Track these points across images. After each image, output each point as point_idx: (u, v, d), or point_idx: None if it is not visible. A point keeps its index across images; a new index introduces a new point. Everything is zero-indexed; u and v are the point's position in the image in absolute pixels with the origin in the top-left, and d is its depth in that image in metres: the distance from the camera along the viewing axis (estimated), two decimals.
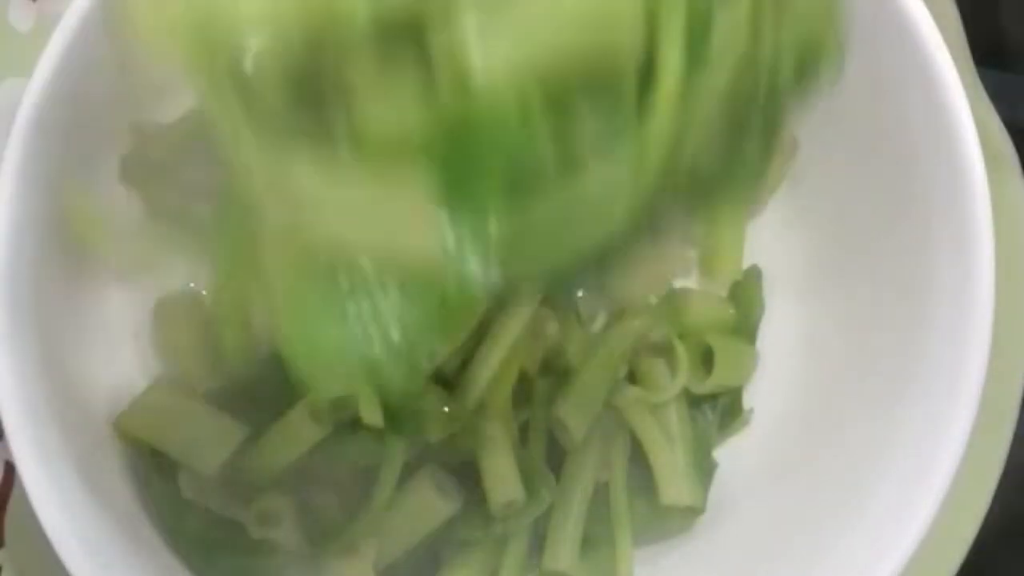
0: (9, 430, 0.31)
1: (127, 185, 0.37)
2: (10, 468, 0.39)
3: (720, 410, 0.39)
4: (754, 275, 0.40)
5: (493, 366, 0.35)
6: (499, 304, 0.35)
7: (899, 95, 0.34)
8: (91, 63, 0.32)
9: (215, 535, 0.35)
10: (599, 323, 0.39)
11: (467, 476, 0.36)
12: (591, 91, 0.23)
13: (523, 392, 0.37)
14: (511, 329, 0.35)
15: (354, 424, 0.35)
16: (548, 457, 0.37)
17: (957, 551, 0.40)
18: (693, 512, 0.38)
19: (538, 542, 0.37)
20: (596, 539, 0.37)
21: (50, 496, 0.31)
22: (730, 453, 0.38)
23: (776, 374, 0.39)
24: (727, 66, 0.24)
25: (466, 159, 0.23)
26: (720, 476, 0.39)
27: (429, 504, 0.36)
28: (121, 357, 0.38)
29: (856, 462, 0.35)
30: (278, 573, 0.35)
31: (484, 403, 0.36)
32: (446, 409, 0.35)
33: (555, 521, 0.37)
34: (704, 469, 0.38)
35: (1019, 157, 0.41)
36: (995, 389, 0.34)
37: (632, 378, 0.39)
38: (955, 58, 0.33)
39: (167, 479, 0.36)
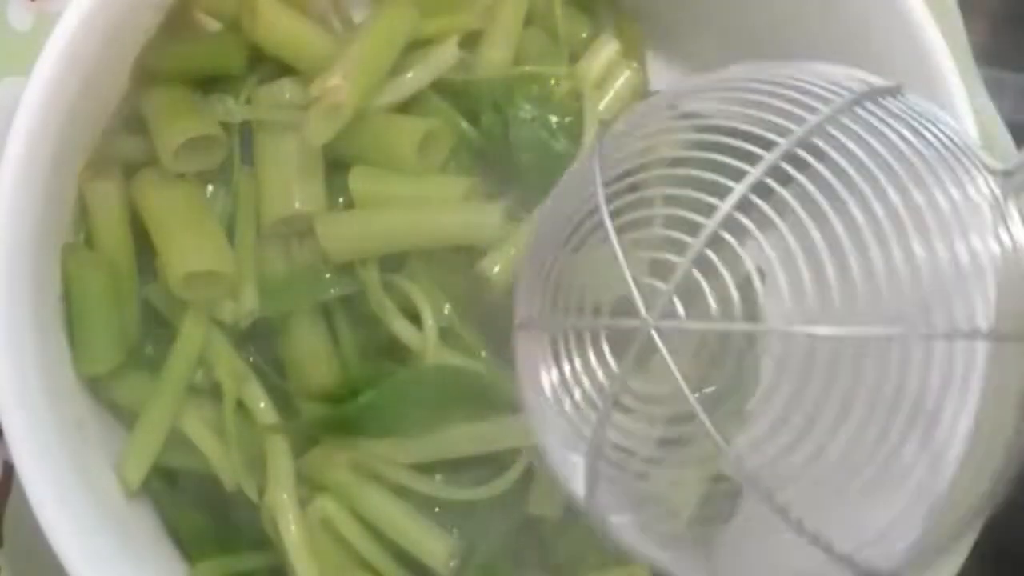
0: (8, 430, 0.31)
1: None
2: (9, 468, 0.39)
3: None
4: None
5: None
6: None
7: None
8: (91, 63, 0.32)
9: (212, 532, 0.35)
10: None
11: None
12: None
13: None
14: None
15: None
16: None
17: (957, 551, 0.40)
18: None
19: None
20: None
21: (48, 496, 0.31)
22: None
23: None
24: None
25: None
26: None
27: None
28: None
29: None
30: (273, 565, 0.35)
31: None
32: None
33: None
34: None
35: None
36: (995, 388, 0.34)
37: None
38: (955, 58, 0.33)
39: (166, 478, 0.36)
